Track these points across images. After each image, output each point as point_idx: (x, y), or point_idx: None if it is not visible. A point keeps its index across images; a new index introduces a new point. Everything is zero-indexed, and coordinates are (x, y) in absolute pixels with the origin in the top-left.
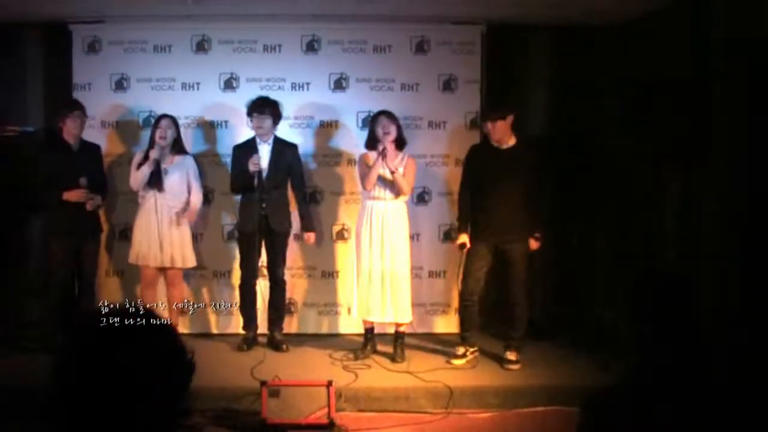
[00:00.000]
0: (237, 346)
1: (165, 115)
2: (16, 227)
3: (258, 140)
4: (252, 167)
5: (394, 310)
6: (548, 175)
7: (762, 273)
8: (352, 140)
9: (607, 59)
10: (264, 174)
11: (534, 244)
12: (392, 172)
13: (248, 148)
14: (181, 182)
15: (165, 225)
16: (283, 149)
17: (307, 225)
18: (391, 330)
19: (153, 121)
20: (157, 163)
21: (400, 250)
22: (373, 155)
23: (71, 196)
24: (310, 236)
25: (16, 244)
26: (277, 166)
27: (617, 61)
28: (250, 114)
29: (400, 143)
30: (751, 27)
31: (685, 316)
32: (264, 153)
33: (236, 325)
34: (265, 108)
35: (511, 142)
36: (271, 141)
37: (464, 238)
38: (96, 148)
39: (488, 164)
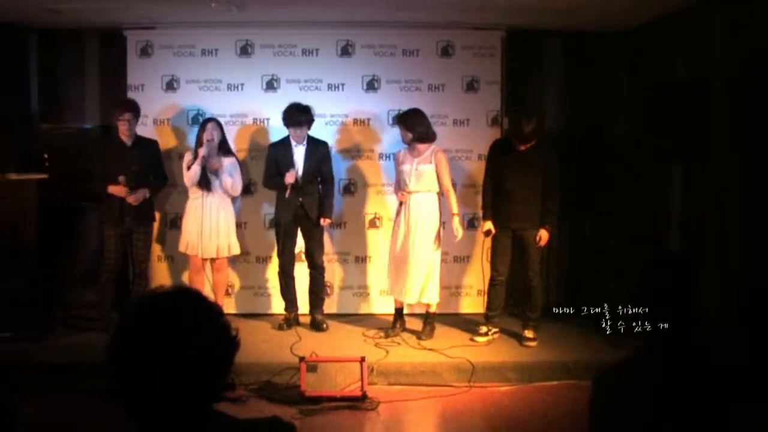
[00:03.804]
0: (278, 325)
1: (210, 119)
2: (75, 217)
3: (293, 141)
4: (288, 179)
5: (424, 290)
6: (563, 170)
7: (759, 262)
8: (383, 136)
9: (617, 62)
10: (299, 172)
11: (544, 235)
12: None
13: (284, 147)
14: (226, 184)
15: (212, 220)
16: (315, 147)
17: (325, 212)
18: (420, 309)
19: (201, 119)
20: (205, 166)
21: (427, 237)
22: (403, 155)
23: (113, 190)
24: (326, 221)
25: (75, 233)
26: (310, 163)
27: (626, 64)
28: (287, 125)
29: (423, 137)
30: (750, 32)
31: (688, 298)
32: (299, 153)
33: (276, 306)
34: (300, 118)
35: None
36: (305, 141)
37: (489, 225)
38: (152, 143)
39: (507, 158)
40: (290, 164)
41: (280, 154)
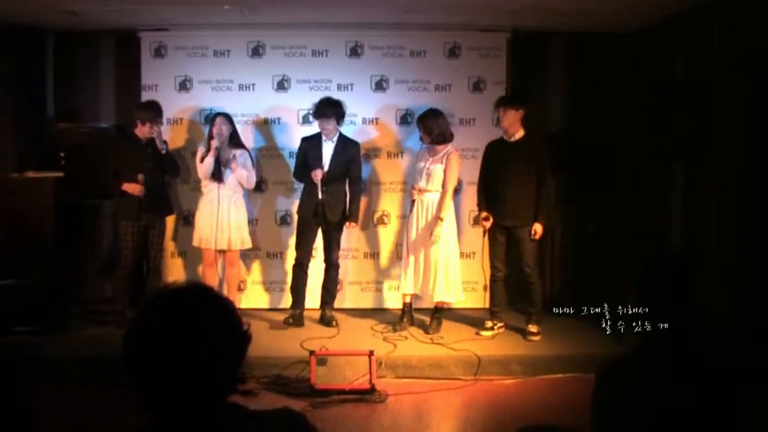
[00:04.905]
0: (284, 321)
1: (220, 113)
2: (91, 213)
3: (323, 137)
4: (315, 177)
5: (444, 290)
6: (567, 168)
7: (759, 261)
8: (391, 135)
9: (619, 63)
10: (325, 167)
11: (539, 228)
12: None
13: (314, 142)
14: (242, 176)
15: (224, 212)
16: (345, 146)
17: (352, 216)
18: (428, 304)
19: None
20: (218, 158)
21: (442, 236)
22: (422, 152)
23: (128, 188)
24: (352, 225)
25: (90, 229)
26: (338, 161)
27: (629, 65)
28: (315, 117)
29: (439, 139)
30: (749, 33)
31: (688, 297)
32: (328, 149)
33: (287, 301)
34: (328, 110)
35: (519, 135)
36: (335, 138)
37: (485, 214)
38: (163, 141)
39: (499, 156)
40: (318, 159)
41: (309, 149)
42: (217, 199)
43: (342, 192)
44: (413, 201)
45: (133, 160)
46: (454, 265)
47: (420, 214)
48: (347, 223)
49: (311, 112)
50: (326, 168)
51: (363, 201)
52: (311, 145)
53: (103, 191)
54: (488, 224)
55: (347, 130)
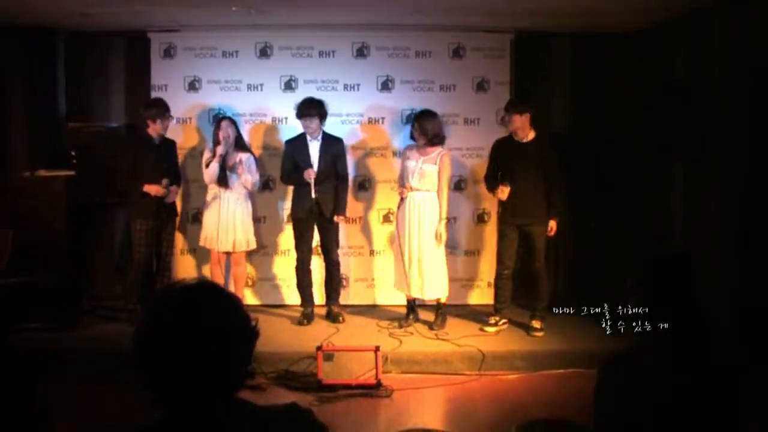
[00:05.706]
0: (298, 321)
1: (224, 117)
2: (102, 211)
3: (308, 137)
4: (307, 176)
5: (425, 286)
6: (568, 167)
7: (759, 260)
8: (396, 134)
9: (621, 63)
10: (315, 168)
11: (554, 225)
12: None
13: (299, 143)
14: (246, 180)
15: (230, 214)
16: (330, 144)
17: (339, 209)
18: (432, 301)
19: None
20: (223, 163)
21: (429, 235)
22: (410, 150)
23: (151, 189)
24: (339, 219)
25: (101, 227)
26: (325, 159)
27: (630, 65)
28: (298, 117)
29: (434, 141)
30: (749, 34)
31: (688, 296)
32: (314, 148)
33: (294, 298)
34: (310, 110)
35: (530, 136)
36: (319, 137)
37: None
38: (173, 143)
39: (510, 156)
40: (307, 160)
41: (296, 150)
42: (222, 201)
43: (334, 188)
44: (402, 199)
45: (146, 160)
46: (442, 262)
47: (412, 213)
48: (336, 217)
49: (295, 111)
50: (315, 167)
51: (365, 201)
52: (297, 146)
53: (115, 190)
54: (507, 189)
55: (355, 129)
